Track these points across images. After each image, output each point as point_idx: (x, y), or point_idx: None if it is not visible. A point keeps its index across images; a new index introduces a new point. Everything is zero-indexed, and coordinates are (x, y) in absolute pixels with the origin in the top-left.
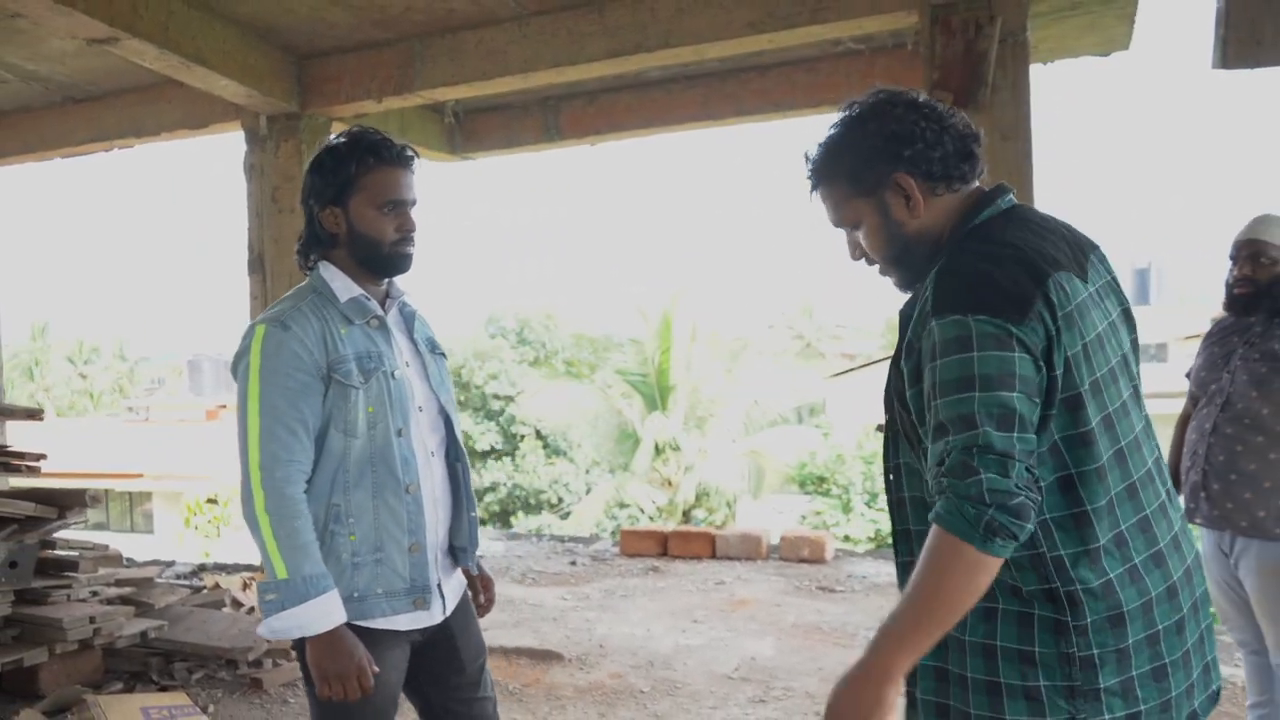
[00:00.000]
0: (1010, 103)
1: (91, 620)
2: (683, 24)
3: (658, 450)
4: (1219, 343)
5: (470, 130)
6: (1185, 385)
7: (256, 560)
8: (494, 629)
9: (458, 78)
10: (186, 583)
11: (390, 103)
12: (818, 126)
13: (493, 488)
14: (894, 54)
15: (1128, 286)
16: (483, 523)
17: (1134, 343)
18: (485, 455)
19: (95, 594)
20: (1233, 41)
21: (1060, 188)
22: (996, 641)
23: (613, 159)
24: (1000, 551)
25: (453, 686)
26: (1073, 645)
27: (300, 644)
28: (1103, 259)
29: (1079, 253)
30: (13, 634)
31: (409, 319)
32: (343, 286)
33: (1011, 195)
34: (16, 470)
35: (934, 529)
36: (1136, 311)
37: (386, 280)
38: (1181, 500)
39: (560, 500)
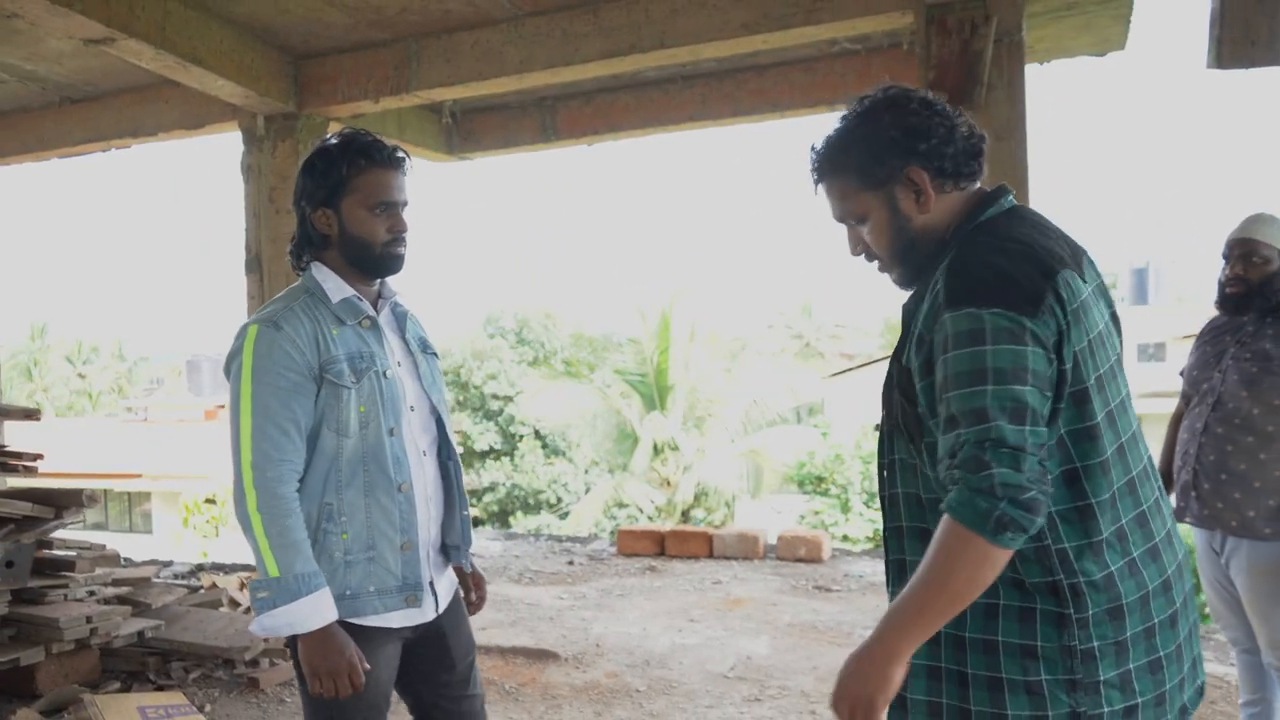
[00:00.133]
0: (1005, 102)
1: (88, 620)
2: (677, 25)
3: (656, 450)
4: (1211, 342)
5: (467, 130)
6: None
7: (253, 560)
8: (491, 628)
9: (454, 78)
10: (184, 582)
11: (387, 103)
12: (815, 126)
13: (491, 488)
14: (890, 54)
15: (1126, 286)
16: (481, 523)
17: (1121, 345)
18: (484, 455)
19: (92, 594)
20: (1227, 41)
21: (1059, 188)
22: (998, 637)
23: (612, 158)
24: (1010, 544)
25: (442, 684)
26: (1074, 638)
27: (293, 641)
28: (1092, 263)
29: (1076, 252)
30: (9, 634)
31: (401, 319)
32: (335, 287)
33: (1012, 196)
34: (14, 470)
35: (944, 519)
36: (1135, 311)
37: (378, 281)
38: (1173, 499)
39: (559, 500)
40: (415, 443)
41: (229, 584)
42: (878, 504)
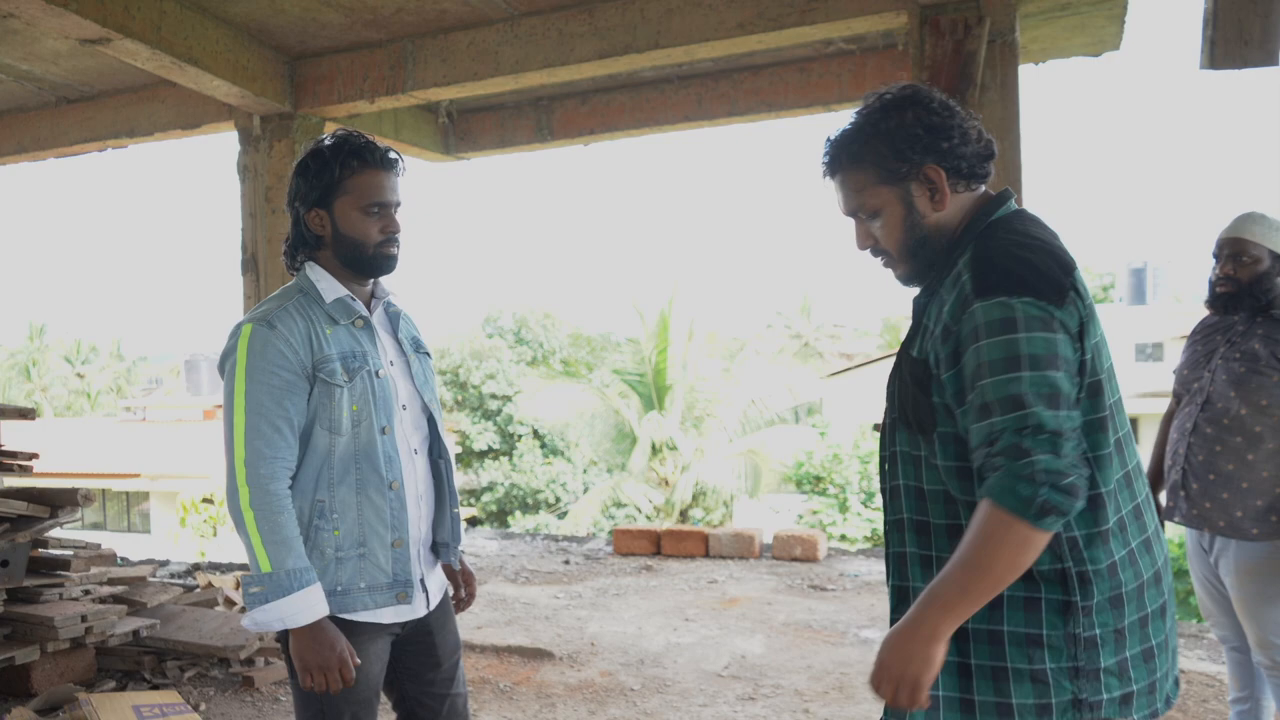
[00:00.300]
0: (999, 102)
1: (83, 619)
2: (672, 25)
3: (655, 450)
4: (1202, 341)
5: (464, 130)
6: None
7: (246, 557)
8: (486, 627)
9: (449, 78)
10: (180, 582)
11: (383, 103)
12: (811, 126)
13: (490, 487)
14: (885, 54)
15: (1123, 286)
16: (480, 522)
17: None
18: (482, 455)
19: (87, 593)
20: (1220, 42)
21: (1057, 188)
22: (1003, 627)
23: (612, 158)
24: (1051, 528)
25: (428, 681)
26: (1079, 625)
27: (285, 636)
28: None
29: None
30: (4, 632)
31: (394, 319)
32: (329, 287)
33: (1014, 200)
34: (9, 470)
35: (985, 504)
36: (1132, 311)
37: (372, 281)
38: (1163, 498)
39: (557, 500)
40: (407, 441)
41: (225, 583)
42: (876, 504)
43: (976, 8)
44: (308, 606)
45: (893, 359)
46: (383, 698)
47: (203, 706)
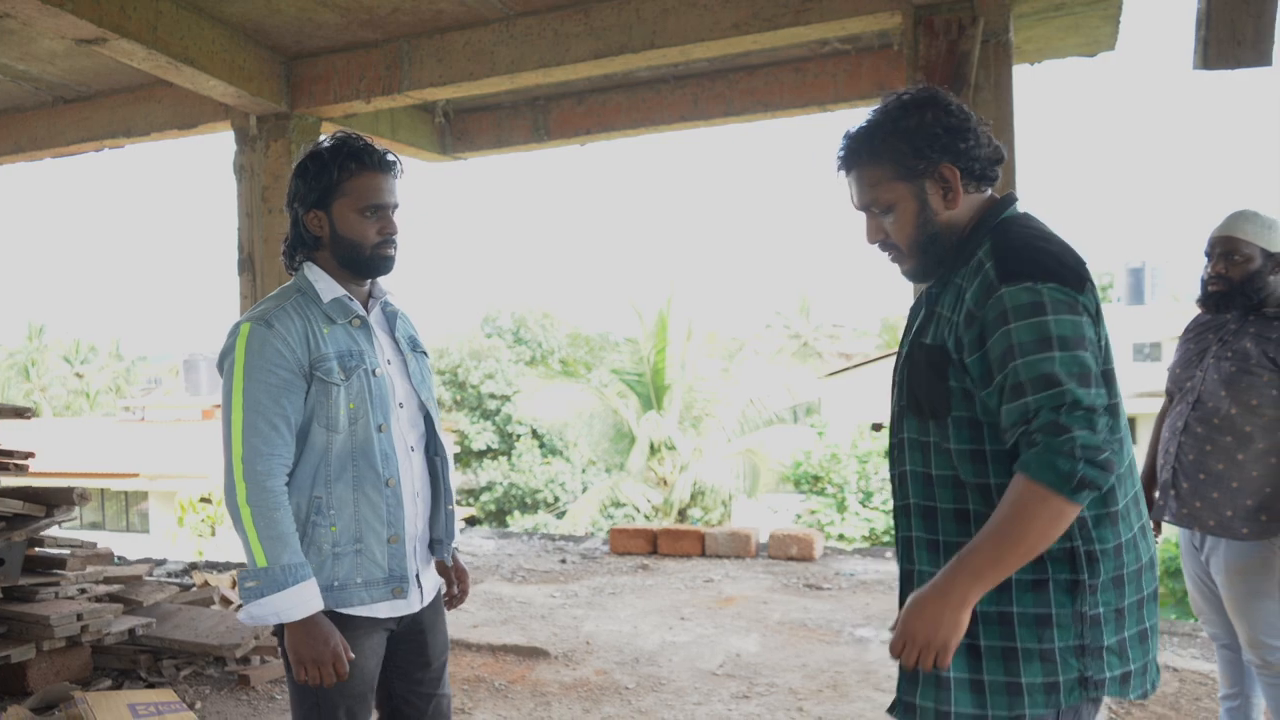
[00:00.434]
0: (993, 102)
1: (79, 618)
2: (668, 25)
3: (653, 449)
4: (1195, 339)
5: (461, 130)
6: None
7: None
8: (482, 626)
9: (445, 78)
10: (176, 581)
11: (379, 103)
12: (808, 126)
13: (489, 487)
14: (881, 54)
15: (1122, 286)
16: (479, 522)
17: None
18: (481, 455)
19: (83, 591)
20: (1214, 42)
21: (1055, 188)
22: (1013, 609)
23: (611, 157)
24: (1084, 502)
25: (415, 680)
26: (1085, 604)
27: (282, 630)
28: None
29: None
30: (0, 631)
31: (391, 318)
32: (326, 287)
33: (1018, 203)
34: (5, 469)
35: (1021, 479)
36: (1131, 311)
37: (369, 281)
38: (1156, 496)
39: (556, 499)
40: (404, 439)
41: (221, 582)
42: (873, 504)
43: (970, 8)
44: (302, 601)
45: (892, 358)
46: None
47: (198, 705)
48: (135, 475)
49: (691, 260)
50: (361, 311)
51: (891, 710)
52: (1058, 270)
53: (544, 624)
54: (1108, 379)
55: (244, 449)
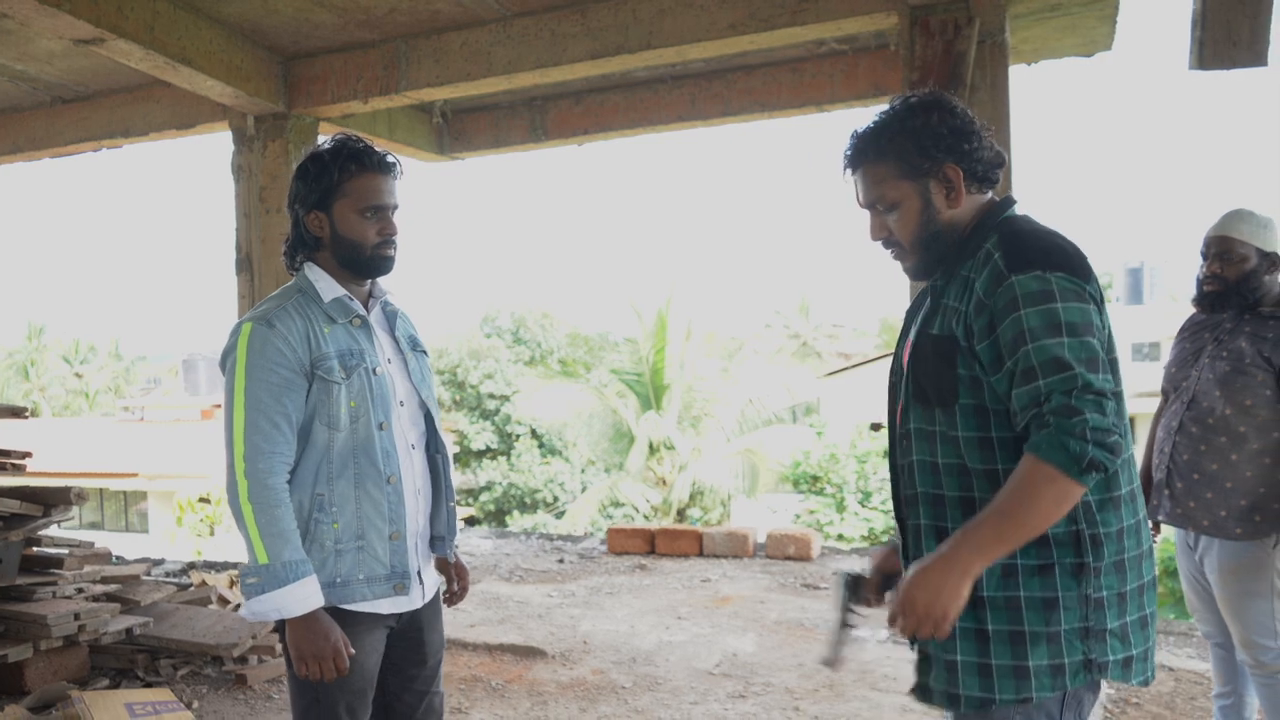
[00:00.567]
0: (989, 103)
1: (77, 617)
2: (664, 25)
3: (652, 449)
4: (1191, 339)
5: (458, 130)
6: None
7: (245, 558)
8: (479, 626)
9: (442, 78)
10: (174, 580)
11: (376, 103)
12: (806, 126)
13: (488, 487)
14: (878, 55)
15: (1121, 286)
16: (478, 521)
17: None
18: (480, 454)
19: (81, 591)
20: (1209, 43)
21: (1053, 188)
22: (1019, 593)
23: (610, 157)
24: (1090, 483)
25: (410, 677)
26: (1090, 587)
27: (283, 627)
28: None
29: None
30: None
31: (391, 318)
32: (327, 287)
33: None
34: (2, 469)
35: (1030, 459)
36: (1130, 311)
37: (369, 281)
38: (1151, 495)
39: (555, 499)
40: (404, 437)
41: (219, 582)
42: (872, 503)
43: (966, 8)
44: (303, 597)
45: (890, 358)
46: None
47: (195, 704)
48: (134, 475)
49: (691, 260)
50: (362, 311)
51: (912, 693)
52: (1065, 260)
53: (541, 624)
54: (1112, 367)
55: (246, 447)
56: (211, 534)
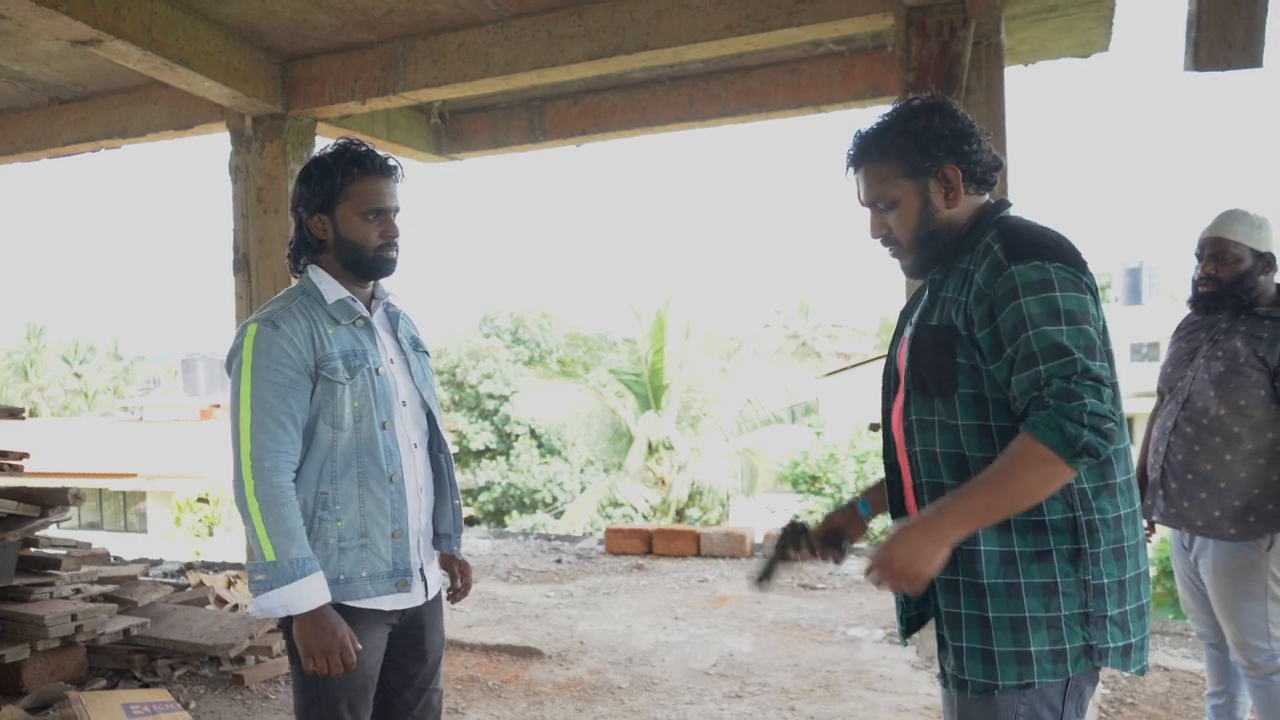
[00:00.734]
0: (984, 104)
1: (74, 617)
2: (661, 26)
3: (651, 449)
4: (1186, 339)
5: (456, 131)
6: None
7: (245, 559)
8: (476, 626)
9: (440, 79)
10: (172, 581)
11: (374, 104)
12: (804, 127)
13: (487, 487)
14: (875, 55)
15: (1119, 286)
16: (477, 522)
17: None
18: (479, 455)
19: (78, 591)
20: (1204, 44)
21: (1052, 188)
22: (1020, 579)
23: (608, 157)
24: (1080, 467)
25: (410, 675)
26: (1088, 572)
27: (287, 623)
28: None
29: None
30: None
31: (393, 319)
32: (330, 289)
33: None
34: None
35: (1025, 438)
36: (1129, 311)
37: (372, 283)
38: (1146, 495)
39: (554, 499)
40: (407, 436)
41: (216, 582)
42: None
43: (962, 10)
44: (310, 593)
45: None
46: None
47: (193, 704)
48: (133, 475)
49: (690, 260)
50: (365, 312)
51: (939, 678)
52: (1062, 252)
53: (538, 624)
54: (1107, 359)
55: (252, 446)
56: (210, 534)
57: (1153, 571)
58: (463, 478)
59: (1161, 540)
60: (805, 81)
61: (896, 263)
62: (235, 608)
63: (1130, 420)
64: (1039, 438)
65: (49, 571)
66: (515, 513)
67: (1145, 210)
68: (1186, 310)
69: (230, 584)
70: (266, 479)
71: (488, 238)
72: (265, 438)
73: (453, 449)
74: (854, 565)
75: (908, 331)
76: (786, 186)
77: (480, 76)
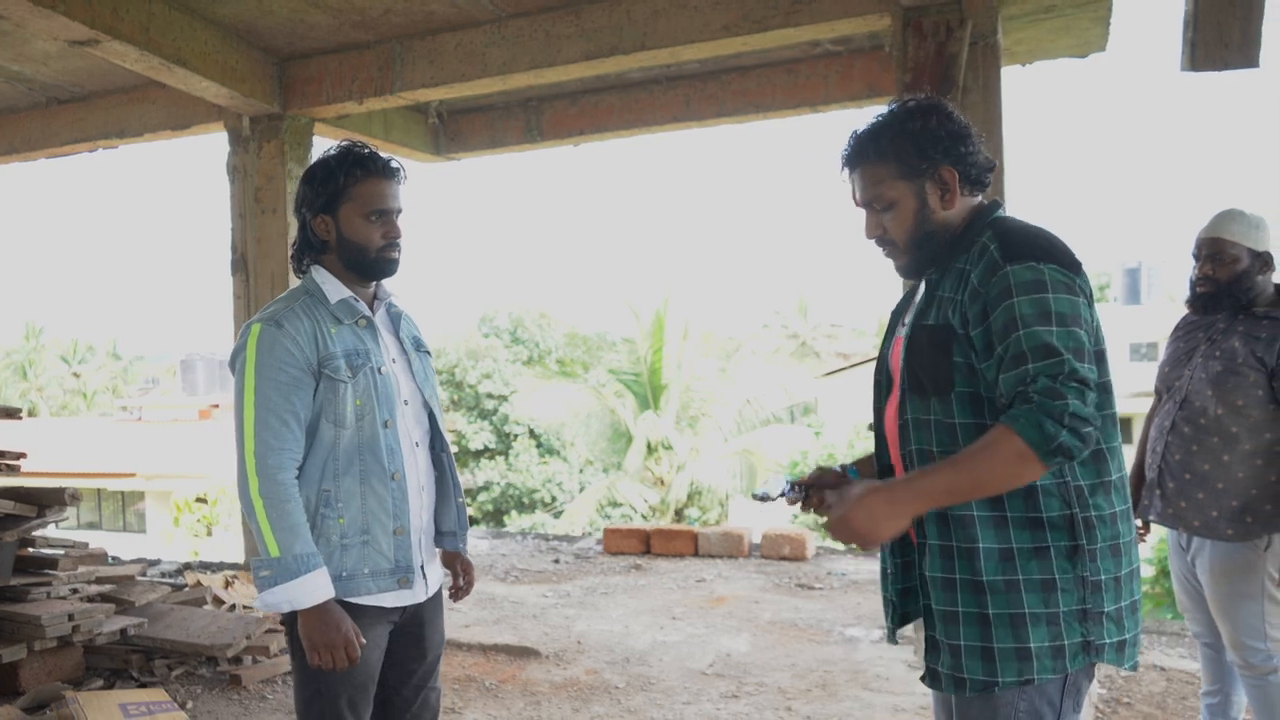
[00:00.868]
0: (981, 104)
1: (71, 617)
2: (658, 27)
3: (650, 449)
4: (1184, 338)
5: (454, 131)
6: None
7: (243, 559)
8: (474, 626)
9: (437, 79)
10: (169, 581)
11: (371, 104)
12: (802, 127)
13: (486, 487)
14: (872, 56)
15: (1118, 286)
16: (476, 522)
17: None
18: (479, 455)
19: (75, 591)
20: (1200, 44)
21: (1051, 188)
22: (1018, 576)
23: (608, 157)
24: (1052, 467)
25: (409, 672)
26: (1086, 569)
27: (291, 618)
28: None
29: None
30: None
31: (395, 319)
32: (333, 289)
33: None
34: None
35: (1003, 429)
36: (1127, 311)
37: (374, 283)
38: (1143, 494)
39: (553, 499)
40: (409, 434)
41: (214, 582)
42: None
43: (959, 10)
44: (314, 589)
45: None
46: None
47: (190, 704)
48: (132, 475)
49: (689, 260)
50: (367, 312)
51: (923, 679)
52: (1056, 253)
53: (536, 624)
54: (1099, 358)
55: (256, 444)
56: (209, 534)
57: (1152, 571)
58: (462, 478)
59: (1160, 540)
60: (802, 82)
61: (890, 263)
62: (233, 608)
63: (1129, 420)
64: (1017, 430)
65: (46, 571)
66: (514, 512)
67: (1144, 210)
68: (1185, 310)
69: (228, 584)
70: (270, 476)
71: (486, 238)
72: (269, 435)
73: (452, 449)
74: (851, 565)
75: (902, 331)
76: (785, 186)
77: (477, 76)
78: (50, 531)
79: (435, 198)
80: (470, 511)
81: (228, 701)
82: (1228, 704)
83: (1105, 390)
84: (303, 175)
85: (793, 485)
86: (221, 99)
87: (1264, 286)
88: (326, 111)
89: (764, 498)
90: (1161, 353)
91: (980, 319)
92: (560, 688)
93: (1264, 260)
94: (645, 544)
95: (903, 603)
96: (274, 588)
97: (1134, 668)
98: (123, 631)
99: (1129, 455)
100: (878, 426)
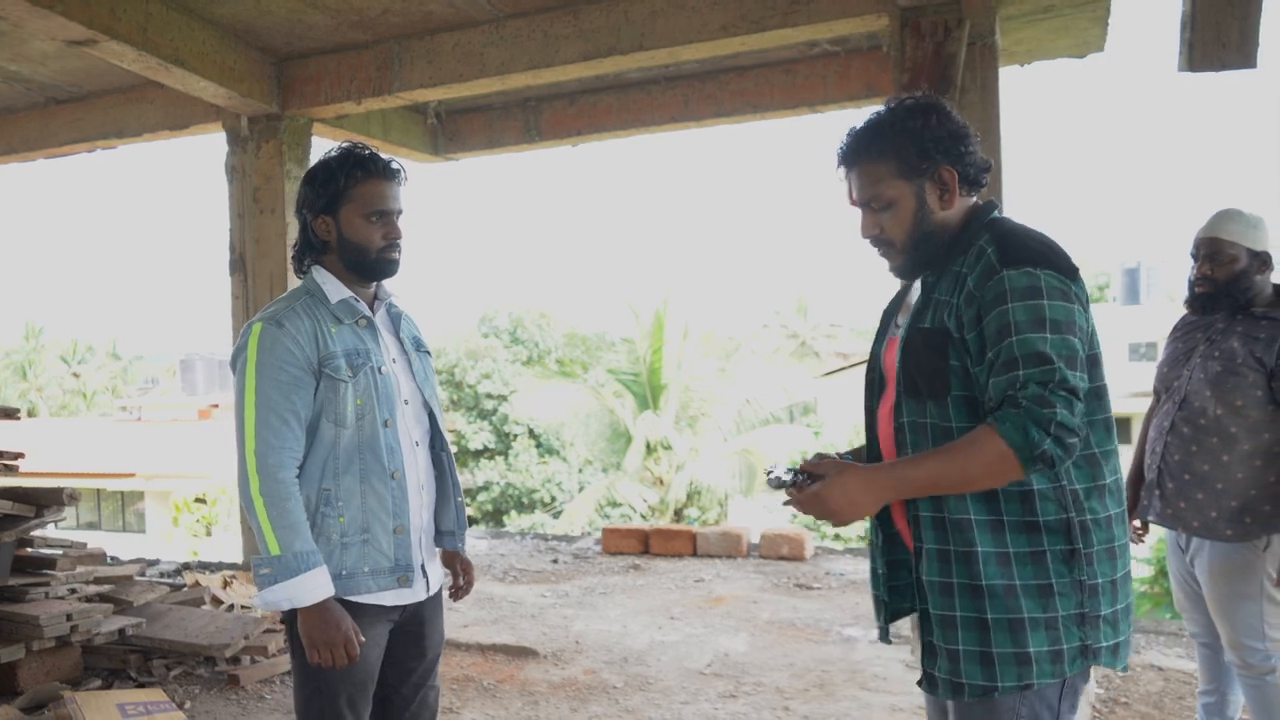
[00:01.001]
0: (979, 104)
1: (69, 617)
2: (656, 27)
3: (649, 449)
4: (1183, 338)
5: (452, 131)
6: None
7: (242, 559)
8: (472, 626)
9: (435, 79)
10: (168, 581)
11: (369, 104)
12: (800, 127)
13: (485, 487)
14: (870, 56)
15: (1117, 286)
16: (475, 522)
17: None
18: (478, 454)
19: (73, 591)
20: (1198, 45)
21: (1050, 188)
22: (1015, 581)
23: (607, 157)
24: (1032, 473)
25: (408, 670)
26: (1083, 572)
27: (291, 616)
28: None
29: None
30: None
31: (396, 319)
32: (334, 289)
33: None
34: None
35: (988, 430)
36: (1127, 311)
37: (375, 283)
38: (1141, 495)
39: (553, 499)
40: (409, 434)
41: (212, 582)
42: None
43: (957, 10)
44: (314, 587)
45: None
46: None
47: (188, 704)
48: (131, 475)
49: (688, 260)
50: (367, 312)
51: (919, 684)
52: (1053, 260)
53: (534, 624)
54: (1094, 363)
55: (257, 442)
56: (208, 534)
57: (1151, 571)
58: (461, 477)
59: (1159, 540)
60: (800, 82)
61: (884, 263)
62: (231, 608)
63: (1127, 420)
64: (1002, 433)
65: (44, 571)
66: (514, 512)
67: (1143, 210)
68: (1184, 310)
69: (226, 584)
70: (271, 474)
71: (486, 238)
72: (269, 434)
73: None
74: (850, 565)
75: (897, 332)
76: (784, 186)
77: (476, 77)
78: (49, 531)
79: (434, 198)
80: (470, 511)
81: (226, 701)
82: (1224, 704)
83: (1100, 395)
84: (304, 176)
85: (794, 472)
86: (220, 99)
87: (1262, 286)
88: (325, 112)
89: (776, 480)
90: (1160, 353)
91: (974, 323)
92: (558, 687)
93: (1262, 260)
94: (644, 544)
95: (893, 600)
96: (274, 586)
97: (1125, 669)
98: (121, 631)
99: (1127, 455)
100: (870, 425)
